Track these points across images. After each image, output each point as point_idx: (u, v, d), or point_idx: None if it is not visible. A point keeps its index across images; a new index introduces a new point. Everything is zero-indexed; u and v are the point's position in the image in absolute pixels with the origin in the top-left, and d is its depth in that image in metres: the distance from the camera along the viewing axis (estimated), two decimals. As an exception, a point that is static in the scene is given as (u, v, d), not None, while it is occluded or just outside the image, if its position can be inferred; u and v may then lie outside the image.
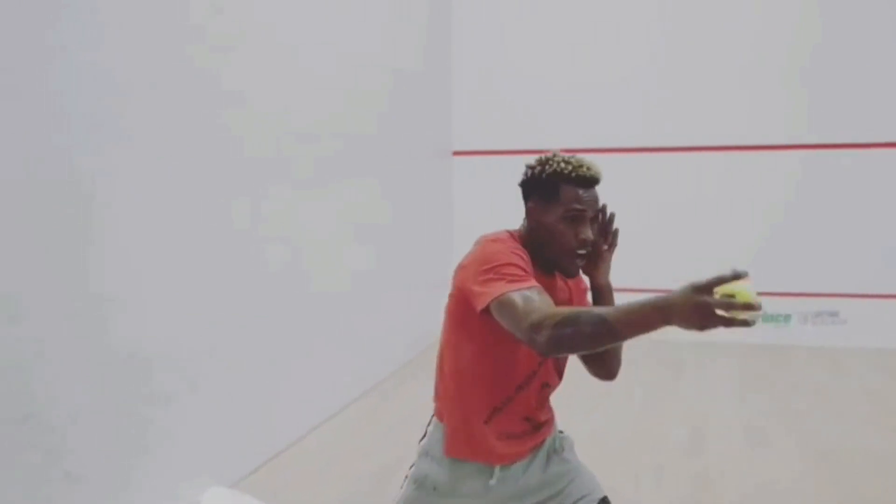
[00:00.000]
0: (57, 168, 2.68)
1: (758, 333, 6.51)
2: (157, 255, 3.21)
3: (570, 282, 2.03)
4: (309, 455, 4.16)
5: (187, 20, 3.42)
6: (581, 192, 1.86)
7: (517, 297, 1.61)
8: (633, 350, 6.02)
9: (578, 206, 1.85)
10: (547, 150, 1.91)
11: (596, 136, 6.74)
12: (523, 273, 1.70)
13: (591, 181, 1.87)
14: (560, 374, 2.04)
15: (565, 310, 1.54)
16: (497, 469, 1.98)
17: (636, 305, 1.42)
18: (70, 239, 2.75)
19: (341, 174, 4.98)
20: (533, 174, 1.91)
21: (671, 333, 5.47)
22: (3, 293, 2.48)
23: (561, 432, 2.13)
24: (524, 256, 1.79)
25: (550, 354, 1.64)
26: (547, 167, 1.88)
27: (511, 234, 1.93)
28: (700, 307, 1.31)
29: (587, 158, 1.90)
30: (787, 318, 6.51)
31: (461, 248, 2.09)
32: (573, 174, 1.85)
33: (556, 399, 2.09)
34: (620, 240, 2.08)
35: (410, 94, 6.23)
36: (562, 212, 1.85)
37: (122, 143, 2.97)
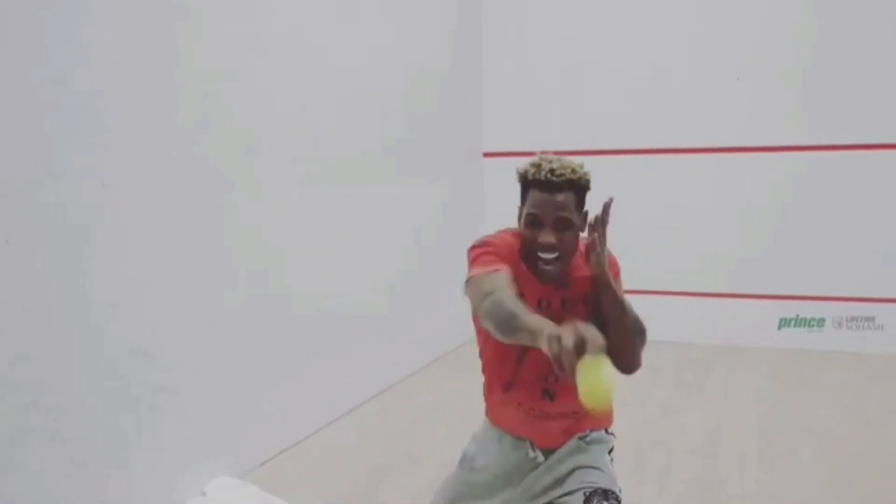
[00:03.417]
0: (57, 172, 2.81)
1: (790, 338, 6.38)
2: (168, 256, 3.33)
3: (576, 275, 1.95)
4: (318, 450, 4.24)
5: (207, 20, 3.53)
6: (542, 196, 1.85)
7: (476, 279, 1.82)
8: (661, 351, 6.03)
9: (534, 211, 1.86)
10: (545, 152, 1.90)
11: (624, 137, 6.69)
12: (492, 258, 1.86)
13: (552, 186, 1.84)
14: None
15: (493, 297, 1.71)
16: (537, 449, 2.04)
17: (529, 321, 1.60)
18: (75, 238, 2.88)
19: (370, 175, 5.04)
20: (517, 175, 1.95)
21: (702, 337, 5.45)
22: (7, 287, 2.59)
23: (608, 432, 2.12)
24: (504, 241, 1.93)
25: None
26: (521, 169, 1.91)
27: (513, 231, 2.00)
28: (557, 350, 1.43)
29: (563, 163, 1.87)
30: (820, 322, 6.34)
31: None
32: (534, 178, 1.86)
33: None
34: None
35: (441, 95, 6.26)
36: (524, 215, 1.90)
37: (124, 145, 3.09)
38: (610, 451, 2.09)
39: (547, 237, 1.84)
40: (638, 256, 6.59)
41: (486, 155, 7.24)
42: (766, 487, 3.71)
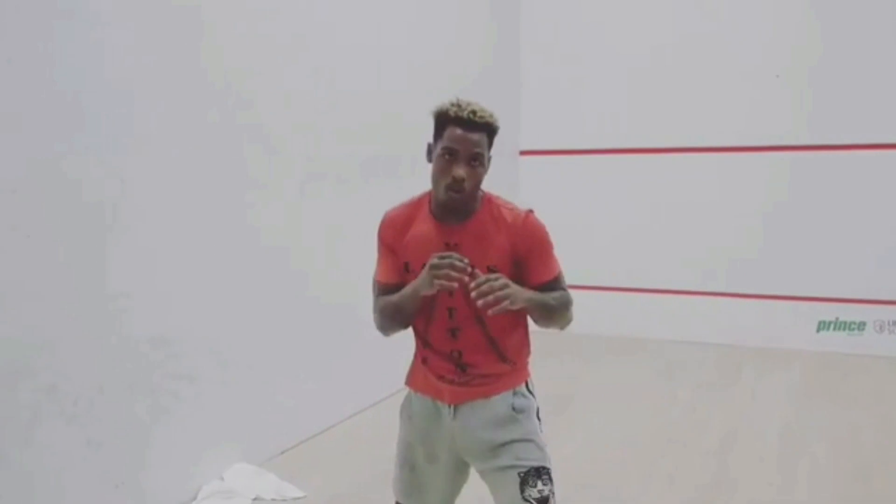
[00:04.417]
0: (83, 169, 2.98)
1: (829, 341, 6.23)
2: (189, 248, 3.49)
3: (475, 226, 2.06)
4: (337, 442, 4.36)
5: (232, 20, 3.70)
6: (459, 131, 1.95)
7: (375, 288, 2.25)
8: (697, 352, 5.97)
9: (452, 145, 1.95)
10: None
11: (655, 135, 6.64)
12: (381, 268, 2.21)
13: (470, 123, 1.95)
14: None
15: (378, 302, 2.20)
16: (448, 407, 2.11)
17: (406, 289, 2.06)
18: (96, 230, 3.06)
19: (405, 174, 5.12)
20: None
21: (739, 339, 5.32)
22: (31, 278, 2.78)
23: (529, 393, 2.14)
24: (400, 213, 2.17)
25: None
26: (440, 108, 2.00)
27: (415, 198, 2.19)
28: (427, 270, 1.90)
29: (483, 106, 1.99)
30: (861, 325, 6.16)
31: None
32: (454, 114, 1.95)
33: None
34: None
35: (478, 93, 6.18)
36: (440, 149, 1.98)
37: (144, 145, 3.26)
38: (538, 413, 2.13)
39: (459, 171, 1.95)
40: (687, 257, 6.58)
41: (523, 153, 7.27)
42: (777, 490, 3.67)
